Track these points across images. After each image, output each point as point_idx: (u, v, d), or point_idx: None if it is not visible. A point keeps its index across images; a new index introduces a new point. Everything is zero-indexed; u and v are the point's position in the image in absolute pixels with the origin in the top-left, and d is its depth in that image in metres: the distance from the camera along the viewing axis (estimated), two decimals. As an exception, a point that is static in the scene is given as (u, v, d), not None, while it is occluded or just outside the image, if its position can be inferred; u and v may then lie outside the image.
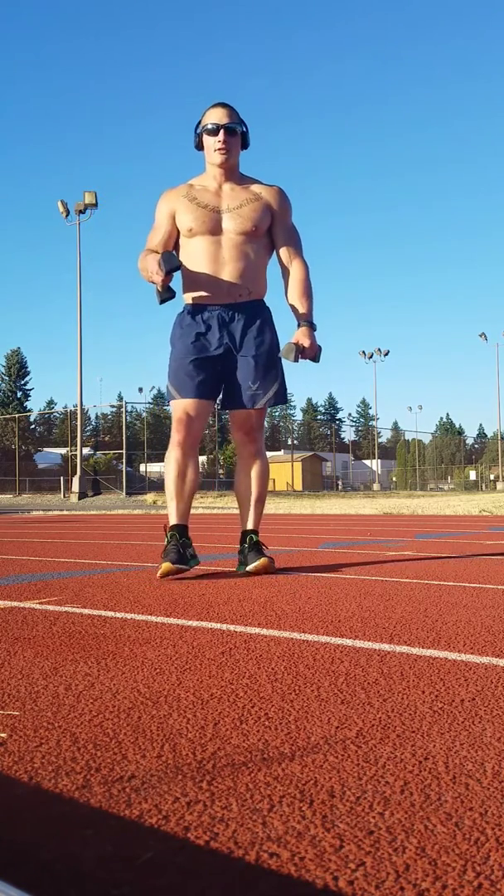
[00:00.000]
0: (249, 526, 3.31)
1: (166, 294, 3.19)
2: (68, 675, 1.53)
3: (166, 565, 3.02)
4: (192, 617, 2.18)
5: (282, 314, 3.40)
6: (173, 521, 3.23)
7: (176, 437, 3.26)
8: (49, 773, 1.01)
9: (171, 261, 3.14)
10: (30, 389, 72.81)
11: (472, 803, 0.90)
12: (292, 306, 3.32)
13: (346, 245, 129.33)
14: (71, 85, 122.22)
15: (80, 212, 24.85)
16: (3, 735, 1.16)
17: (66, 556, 4.32)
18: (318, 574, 3.22)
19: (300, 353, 3.20)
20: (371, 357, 52.37)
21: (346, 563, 3.70)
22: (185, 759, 1.05)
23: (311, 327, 3.26)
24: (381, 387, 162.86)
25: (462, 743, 1.10)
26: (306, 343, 3.21)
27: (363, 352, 53.14)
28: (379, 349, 51.95)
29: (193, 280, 3.27)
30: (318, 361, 3.29)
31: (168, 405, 3.35)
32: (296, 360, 3.19)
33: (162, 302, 3.23)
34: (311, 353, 3.23)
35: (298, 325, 3.27)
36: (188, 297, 3.30)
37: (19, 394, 71.17)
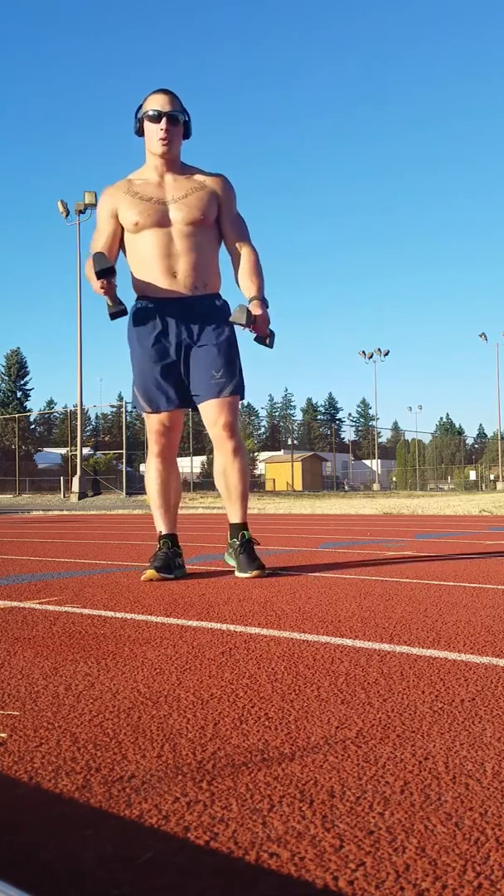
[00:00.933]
0: (238, 519, 3.20)
1: (116, 308, 3.03)
2: (68, 675, 1.53)
3: (151, 572, 3.01)
4: (192, 617, 2.18)
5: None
6: (163, 530, 3.22)
7: (155, 447, 3.21)
8: (49, 773, 1.01)
9: (101, 261, 2.95)
10: (30, 389, 72.90)
11: (472, 803, 0.90)
12: (242, 286, 3.21)
13: (346, 245, 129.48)
14: (71, 85, 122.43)
15: (80, 212, 24.86)
16: (3, 735, 1.16)
17: (66, 556, 4.32)
18: (318, 574, 3.21)
19: (252, 322, 3.03)
20: (371, 357, 52.39)
21: (346, 563, 3.70)
22: (185, 759, 1.05)
23: (263, 303, 3.13)
24: (381, 387, 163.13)
25: (462, 743, 1.10)
26: (256, 311, 3.07)
27: (363, 352, 53.17)
28: (379, 349, 51.98)
29: (146, 274, 3.14)
30: (272, 346, 3.14)
31: (139, 411, 3.24)
32: (247, 325, 3.04)
33: (112, 317, 3.06)
34: (263, 325, 3.08)
35: (249, 302, 3.14)
36: (141, 290, 3.18)
37: (19, 394, 71.20)
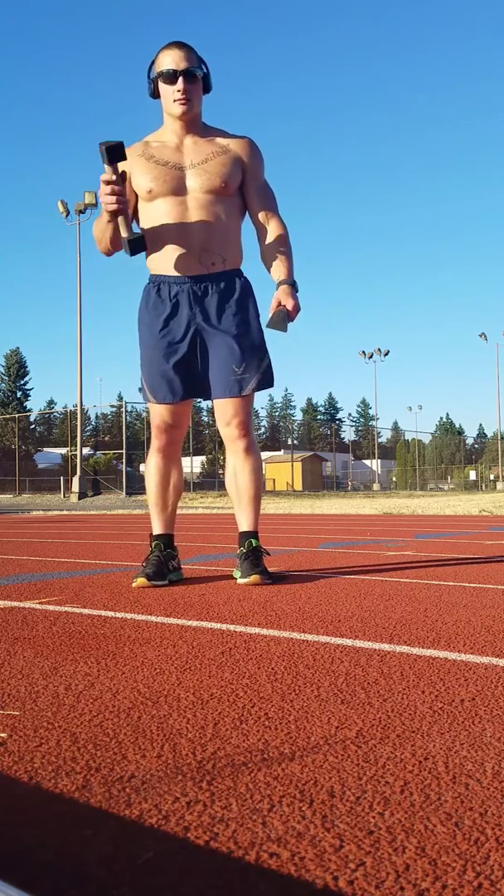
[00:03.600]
0: (247, 527, 2.98)
1: (132, 235, 2.72)
2: (68, 675, 1.53)
3: (141, 579, 2.82)
4: (192, 617, 2.18)
5: (262, 286, 3.03)
6: (158, 530, 3.03)
7: (156, 442, 3.01)
8: (49, 773, 1.01)
9: (111, 148, 2.67)
10: (30, 389, 72.95)
11: (472, 803, 0.90)
12: (268, 266, 2.95)
13: (346, 245, 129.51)
14: (71, 84, 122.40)
15: (80, 212, 24.87)
16: (3, 735, 1.16)
17: (66, 556, 4.32)
18: (318, 574, 3.21)
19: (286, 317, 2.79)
20: (371, 357, 52.40)
21: (346, 563, 3.70)
22: (185, 759, 1.05)
23: (293, 287, 2.87)
24: (381, 387, 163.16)
25: (462, 743, 1.10)
26: (290, 304, 2.81)
27: (363, 352, 53.18)
28: (379, 349, 51.97)
29: (158, 247, 2.89)
30: (286, 330, 2.82)
31: (144, 401, 3.03)
32: (285, 328, 2.77)
33: (132, 249, 2.75)
34: (294, 313, 2.82)
35: (278, 286, 2.88)
36: (152, 268, 2.94)
37: (19, 394, 71.22)
